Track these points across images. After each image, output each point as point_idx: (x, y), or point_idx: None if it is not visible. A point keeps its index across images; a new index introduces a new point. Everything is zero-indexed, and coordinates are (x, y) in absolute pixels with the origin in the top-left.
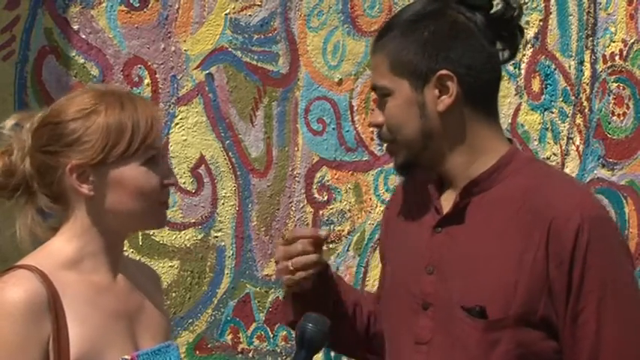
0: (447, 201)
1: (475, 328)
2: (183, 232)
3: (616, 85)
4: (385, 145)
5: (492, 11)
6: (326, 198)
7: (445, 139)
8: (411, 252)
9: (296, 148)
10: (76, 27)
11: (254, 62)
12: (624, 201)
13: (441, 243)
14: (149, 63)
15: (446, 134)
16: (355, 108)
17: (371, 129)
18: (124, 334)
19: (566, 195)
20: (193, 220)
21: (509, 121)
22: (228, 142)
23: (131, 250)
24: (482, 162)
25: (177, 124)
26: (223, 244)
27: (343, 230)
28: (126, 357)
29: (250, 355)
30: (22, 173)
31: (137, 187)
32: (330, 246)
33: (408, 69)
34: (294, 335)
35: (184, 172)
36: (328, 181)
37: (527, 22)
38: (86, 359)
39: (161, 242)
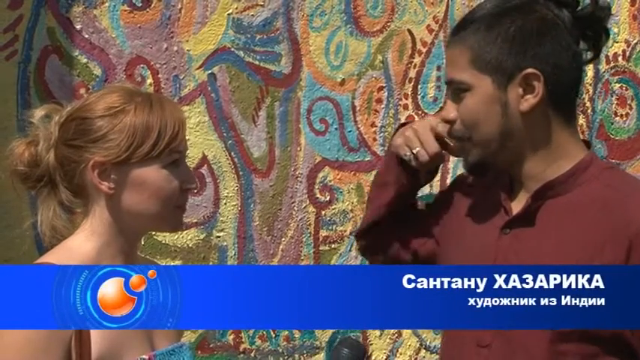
0: (517, 203)
1: (541, 337)
2: (185, 231)
3: (619, 85)
4: (454, 142)
5: (580, 9)
6: (328, 198)
7: (525, 141)
8: (475, 251)
9: (298, 148)
10: (78, 27)
11: (256, 62)
12: None
13: (508, 244)
14: (152, 63)
15: (526, 135)
16: (357, 108)
17: (373, 129)
18: (141, 334)
19: None
20: (195, 220)
21: None
22: (230, 142)
23: None
24: (559, 165)
25: None
26: (225, 244)
27: (345, 230)
28: (144, 357)
29: (252, 355)
30: (46, 164)
31: (157, 189)
32: (332, 246)
33: (492, 65)
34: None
35: None
36: (330, 181)
37: None
38: (107, 358)
39: (163, 242)
